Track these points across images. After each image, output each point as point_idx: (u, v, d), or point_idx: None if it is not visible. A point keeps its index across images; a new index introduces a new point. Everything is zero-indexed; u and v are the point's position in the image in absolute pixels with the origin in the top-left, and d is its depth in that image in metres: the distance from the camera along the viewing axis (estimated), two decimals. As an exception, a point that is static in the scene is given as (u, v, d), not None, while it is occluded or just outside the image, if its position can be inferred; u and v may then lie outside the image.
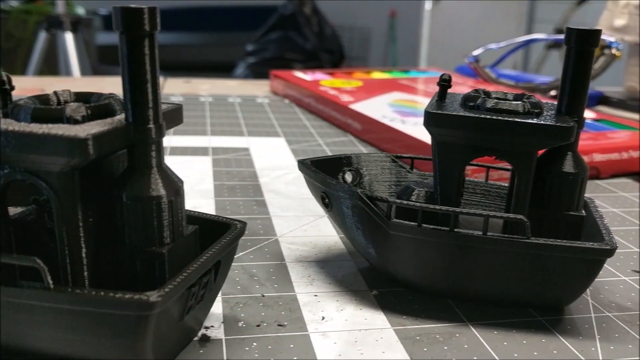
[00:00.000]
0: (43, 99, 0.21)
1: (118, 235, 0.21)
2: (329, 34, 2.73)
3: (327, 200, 0.28)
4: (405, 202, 0.26)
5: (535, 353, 0.24)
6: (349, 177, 0.31)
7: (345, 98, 0.60)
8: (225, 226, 0.24)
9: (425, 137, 0.46)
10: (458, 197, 0.26)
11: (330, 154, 0.50)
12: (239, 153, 0.50)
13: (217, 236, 0.23)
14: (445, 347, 0.24)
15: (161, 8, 0.21)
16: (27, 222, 0.22)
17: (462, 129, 0.25)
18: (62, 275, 0.20)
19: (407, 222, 0.25)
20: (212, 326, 0.24)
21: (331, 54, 2.71)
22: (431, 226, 0.25)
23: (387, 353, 0.23)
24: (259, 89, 0.79)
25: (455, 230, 0.24)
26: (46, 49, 1.45)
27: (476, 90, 0.27)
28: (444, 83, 0.27)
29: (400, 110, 0.55)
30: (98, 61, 2.40)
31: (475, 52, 0.73)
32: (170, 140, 0.53)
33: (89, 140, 0.18)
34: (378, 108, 0.56)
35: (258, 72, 2.43)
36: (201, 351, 0.23)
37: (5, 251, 0.21)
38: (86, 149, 0.18)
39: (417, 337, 0.24)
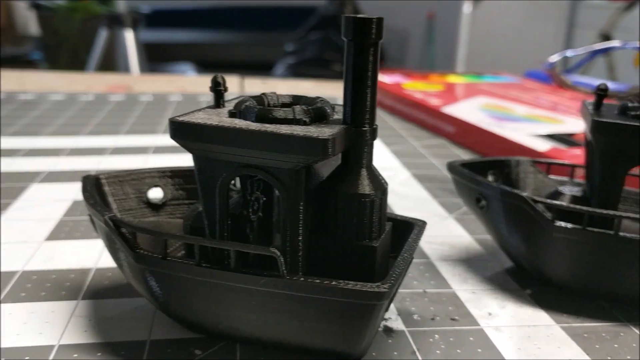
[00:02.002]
0: (257, 100, 0.23)
1: (328, 228, 0.22)
2: (369, 35, 2.73)
3: (482, 202, 0.29)
4: (571, 205, 0.27)
5: None
6: (491, 179, 0.32)
7: (434, 101, 0.61)
8: (408, 225, 0.25)
9: (527, 142, 0.47)
10: (617, 203, 0.27)
11: (428, 156, 0.51)
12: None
13: (398, 234, 0.24)
14: (616, 345, 0.25)
15: (202, 7, 0.22)
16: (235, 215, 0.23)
17: (630, 137, 0.26)
18: (286, 264, 0.21)
19: (572, 224, 0.26)
20: (390, 318, 0.26)
21: (370, 55, 2.72)
22: (596, 229, 0.26)
23: (562, 348, 0.24)
24: (334, 90, 0.80)
25: (620, 233, 0.25)
26: (106, 46, 1.49)
27: (631, 100, 0.28)
28: (601, 92, 0.28)
29: (494, 115, 0.56)
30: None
31: (553, 59, 0.73)
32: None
33: (330, 142, 0.20)
34: (470, 112, 0.57)
35: (297, 72, 2.45)
36: (390, 341, 0.24)
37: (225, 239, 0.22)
38: (327, 149, 0.20)
39: (585, 335, 0.25)
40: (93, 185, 0.26)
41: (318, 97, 0.23)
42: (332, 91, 0.80)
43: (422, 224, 0.25)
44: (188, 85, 0.78)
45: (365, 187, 0.22)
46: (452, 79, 0.76)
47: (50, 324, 0.25)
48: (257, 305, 0.21)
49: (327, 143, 0.20)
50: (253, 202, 0.24)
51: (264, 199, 0.24)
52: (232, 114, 0.22)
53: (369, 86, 0.21)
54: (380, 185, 0.22)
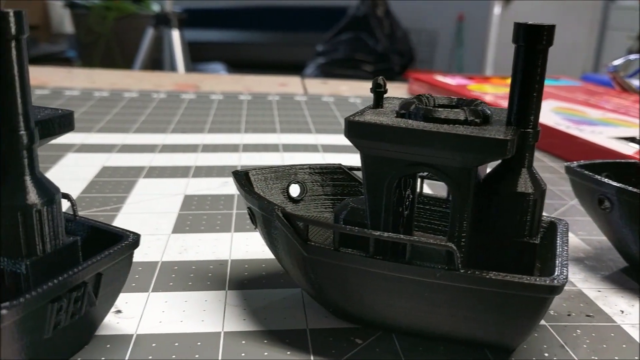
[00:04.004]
0: (417, 101, 0.24)
1: (488, 225, 0.23)
2: (400, 36, 2.74)
3: (606, 203, 0.30)
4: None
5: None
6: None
7: (505, 104, 0.61)
8: (552, 224, 0.26)
9: (611, 145, 0.48)
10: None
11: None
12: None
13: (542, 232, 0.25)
14: None
15: (233, 7, 0.23)
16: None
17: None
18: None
19: None
20: (528, 313, 0.27)
21: (401, 56, 2.72)
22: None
23: (702, 346, 0.25)
24: (394, 91, 0.81)
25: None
26: (152, 46, 1.51)
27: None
28: None
29: (570, 118, 0.57)
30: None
31: (616, 62, 0.74)
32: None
33: (510, 142, 0.21)
34: (544, 115, 0.57)
35: (328, 72, 2.46)
36: (535, 335, 0.25)
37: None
38: (506, 150, 0.21)
39: None
40: (246, 179, 0.27)
41: (475, 99, 0.24)
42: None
43: (565, 223, 0.26)
44: (253, 85, 0.79)
45: (528, 186, 0.23)
46: (514, 81, 0.77)
47: (207, 312, 0.26)
48: (423, 296, 0.22)
49: (507, 144, 0.21)
50: (405, 199, 0.25)
51: (412, 196, 0.25)
52: (400, 115, 0.23)
53: (536, 90, 0.22)
54: (539, 186, 0.23)
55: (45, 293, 0.19)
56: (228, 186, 0.41)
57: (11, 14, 0.19)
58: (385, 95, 0.25)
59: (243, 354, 0.23)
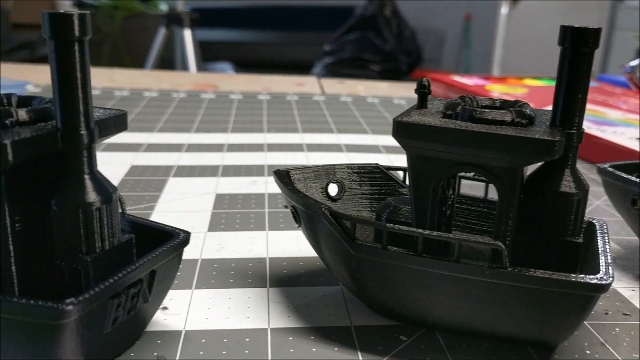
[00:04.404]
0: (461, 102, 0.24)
1: (532, 224, 0.24)
2: (408, 35, 2.74)
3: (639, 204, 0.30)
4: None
5: None
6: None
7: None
8: (590, 224, 0.26)
9: (634, 146, 0.48)
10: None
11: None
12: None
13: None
14: None
15: (240, 6, 0.23)
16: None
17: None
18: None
19: None
20: (566, 311, 0.27)
21: (408, 56, 2.73)
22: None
23: None
24: (410, 92, 0.82)
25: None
26: (163, 45, 1.52)
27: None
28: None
29: (590, 119, 0.57)
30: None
31: (633, 63, 0.74)
32: (375, 139, 0.56)
33: (558, 143, 0.21)
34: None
35: (335, 72, 2.46)
36: (575, 332, 0.25)
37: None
38: (554, 151, 0.21)
39: None
40: (287, 178, 0.27)
41: (518, 101, 0.25)
42: (401, 91, 0.81)
43: (603, 223, 0.26)
44: (270, 85, 0.80)
45: (572, 186, 0.23)
46: (530, 82, 0.77)
47: (252, 309, 0.26)
48: (469, 294, 0.23)
49: (555, 144, 0.21)
50: (448, 199, 0.25)
51: (452, 196, 0.26)
52: (446, 115, 0.23)
53: (581, 92, 0.23)
54: (582, 186, 0.24)
55: (107, 289, 0.20)
56: (257, 185, 0.42)
57: (75, 15, 0.20)
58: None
59: (292, 350, 0.23)
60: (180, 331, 0.24)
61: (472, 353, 0.24)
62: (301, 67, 2.59)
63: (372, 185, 0.30)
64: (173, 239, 0.23)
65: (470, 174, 0.24)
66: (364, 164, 0.30)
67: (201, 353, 0.23)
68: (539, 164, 0.24)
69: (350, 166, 0.30)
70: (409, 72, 2.66)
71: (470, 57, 3.23)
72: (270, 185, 0.42)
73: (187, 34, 1.46)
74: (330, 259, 0.25)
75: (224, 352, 0.23)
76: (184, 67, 1.45)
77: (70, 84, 0.20)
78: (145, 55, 1.58)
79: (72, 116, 0.20)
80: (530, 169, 0.25)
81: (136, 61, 2.11)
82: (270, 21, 3.04)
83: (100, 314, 0.20)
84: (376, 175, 0.30)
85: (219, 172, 0.44)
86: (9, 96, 0.22)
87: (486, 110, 0.23)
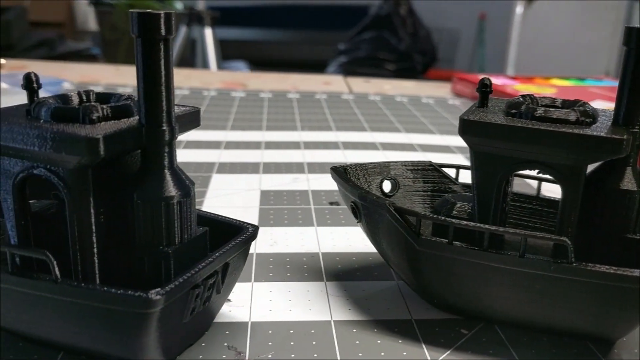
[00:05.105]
0: (521, 101, 0.25)
1: (593, 221, 0.24)
2: (423, 34, 2.73)
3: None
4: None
5: None
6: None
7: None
8: None
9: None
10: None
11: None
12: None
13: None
14: None
15: (255, 5, 0.23)
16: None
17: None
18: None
19: None
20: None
21: (423, 55, 2.72)
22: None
23: None
24: (437, 90, 0.82)
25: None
26: (184, 44, 1.53)
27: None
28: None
29: None
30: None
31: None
32: (409, 137, 0.56)
33: (625, 141, 0.21)
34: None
35: (350, 71, 2.47)
36: (632, 328, 0.26)
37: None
38: (621, 149, 0.21)
39: None
40: (345, 174, 0.28)
41: (578, 100, 0.25)
42: (428, 90, 0.82)
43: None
44: (298, 84, 0.80)
45: (633, 184, 0.24)
46: (558, 82, 0.77)
47: (312, 301, 0.27)
48: (533, 288, 0.23)
49: (622, 143, 0.21)
50: (507, 196, 0.26)
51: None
52: (510, 114, 0.24)
53: (646, 90, 0.23)
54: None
55: (189, 280, 0.21)
56: (299, 182, 0.42)
57: (162, 15, 0.20)
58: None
59: (357, 342, 0.24)
60: (247, 322, 0.25)
61: (532, 346, 0.24)
62: (316, 66, 2.60)
63: (425, 182, 0.31)
64: (243, 233, 0.24)
65: (534, 172, 0.25)
66: (417, 161, 0.31)
67: (270, 344, 0.24)
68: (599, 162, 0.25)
69: (404, 163, 0.31)
70: (424, 71, 2.66)
71: (484, 57, 3.22)
72: (312, 182, 0.42)
73: (208, 33, 1.47)
74: (392, 254, 0.26)
75: (291, 343, 0.24)
76: (204, 65, 1.46)
77: (155, 81, 0.21)
78: (177, 54, 1.59)
79: (156, 113, 0.21)
80: (589, 167, 0.25)
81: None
82: (285, 20, 3.05)
83: (181, 303, 0.21)
84: (429, 173, 0.31)
85: (260, 169, 0.45)
86: (87, 92, 0.23)
87: (550, 109, 0.23)
